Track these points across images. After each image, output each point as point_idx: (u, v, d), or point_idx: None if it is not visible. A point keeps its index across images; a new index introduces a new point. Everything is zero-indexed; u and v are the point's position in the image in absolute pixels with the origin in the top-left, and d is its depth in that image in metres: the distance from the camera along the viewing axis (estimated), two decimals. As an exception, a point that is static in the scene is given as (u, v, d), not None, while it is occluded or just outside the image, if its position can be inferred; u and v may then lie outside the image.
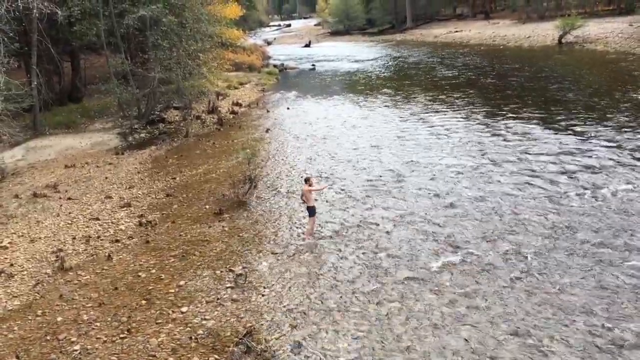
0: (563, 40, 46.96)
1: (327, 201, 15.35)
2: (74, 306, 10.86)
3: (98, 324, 10.12)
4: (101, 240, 14.08)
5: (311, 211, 13.12)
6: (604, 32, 45.51)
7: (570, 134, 19.74)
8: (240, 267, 11.90)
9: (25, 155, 22.41)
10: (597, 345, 8.52)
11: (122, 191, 17.95)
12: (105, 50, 26.77)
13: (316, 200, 13.99)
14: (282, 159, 20.35)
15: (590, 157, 17.07)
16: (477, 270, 11.02)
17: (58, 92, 30.61)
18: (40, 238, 14.33)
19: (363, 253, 12.19)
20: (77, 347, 9.41)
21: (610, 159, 16.66)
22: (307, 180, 13.29)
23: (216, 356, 8.91)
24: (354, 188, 16.29)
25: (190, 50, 26.80)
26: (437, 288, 10.51)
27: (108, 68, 25.97)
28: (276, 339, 9.30)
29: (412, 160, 18.41)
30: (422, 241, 12.51)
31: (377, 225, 13.58)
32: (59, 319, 10.40)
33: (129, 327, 9.93)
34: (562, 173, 15.94)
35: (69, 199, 17.25)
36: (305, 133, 24.09)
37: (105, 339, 9.60)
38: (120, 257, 13.04)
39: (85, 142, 24.24)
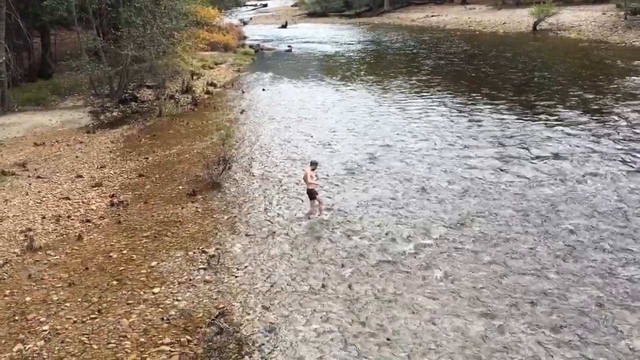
0: (538, 27, 47.34)
1: (301, 184, 15.35)
2: (43, 286, 10.71)
3: (68, 304, 10.01)
4: (71, 219, 13.87)
5: (310, 194, 13.08)
6: (577, 20, 46.04)
7: (543, 120, 20.04)
8: (213, 249, 11.88)
9: (-7, 132, 21.86)
10: (556, 329, 8.80)
11: (94, 170, 17.66)
12: (76, 26, 26.09)
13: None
14: (257, 141, 20.23)
15: (561, 143, 17.38)
16: (448, 254, 11.21)
17: (27, 68, 29.82)
18: (8, 217, 14.03)
19: (337, 236, 12.27)
20: (46, 327, 9.31)
21: (582, 146, 16.98)
22: (312, 164, 13.32)
23: (188, 337, 8.91)
24: (329, 171, 16.31)
25: (165, 28, 26.27)
26: (409, 271, 10.66)
27: (79, 44, 25.30)
28: (249, 320, 9.35)
29: (387, 144, 18.49)
30: (395, 225, 12.63)
31: (351, 208, 13.65)
32: (28, 299, 10.26)
33: (100, 307, 9.85)
34: (535, 158, 16.21)
35: (39, 177, 16.91)
36: (281, 115, 23.96)
37: (75, 319, 9.51)
38: (91, 237, 12.88)
39: (55, 119, 23.70)
